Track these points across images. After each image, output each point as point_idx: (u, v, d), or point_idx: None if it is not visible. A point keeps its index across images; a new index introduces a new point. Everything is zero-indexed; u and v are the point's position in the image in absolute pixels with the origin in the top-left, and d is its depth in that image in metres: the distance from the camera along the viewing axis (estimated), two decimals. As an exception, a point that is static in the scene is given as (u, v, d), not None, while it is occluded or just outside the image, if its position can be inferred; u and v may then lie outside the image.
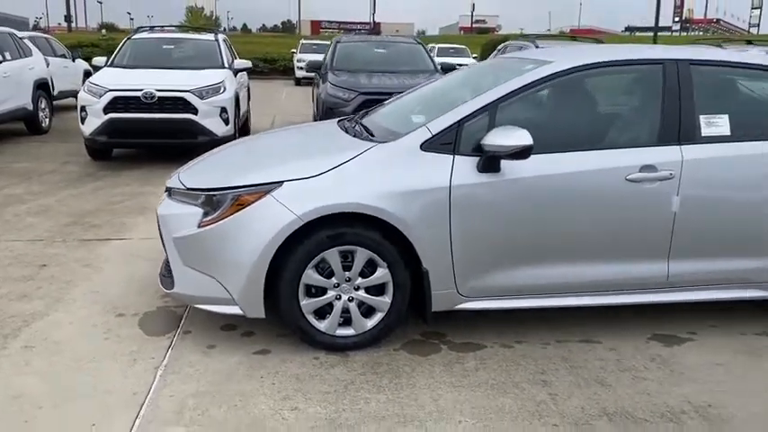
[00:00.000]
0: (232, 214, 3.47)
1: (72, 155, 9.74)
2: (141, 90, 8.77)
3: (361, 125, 4.30)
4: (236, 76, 10.28)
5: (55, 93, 13.37)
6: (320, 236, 3.47)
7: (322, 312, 3.63)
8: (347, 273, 3.57)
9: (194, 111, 8.85)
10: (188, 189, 3.71)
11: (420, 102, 4.66)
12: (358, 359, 3.58)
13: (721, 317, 4.19)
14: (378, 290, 3.64)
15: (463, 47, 31.92)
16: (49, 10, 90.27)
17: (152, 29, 11.72)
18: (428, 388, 3.30)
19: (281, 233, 3.39)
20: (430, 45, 25.66)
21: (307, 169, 3.54)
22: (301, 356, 3.58)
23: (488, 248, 3.62)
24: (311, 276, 3.53)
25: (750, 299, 3.98)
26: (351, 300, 3.62)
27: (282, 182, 3.49)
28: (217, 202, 3.54)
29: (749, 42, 12.99)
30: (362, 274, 3.59)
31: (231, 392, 3.22)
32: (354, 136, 3.98)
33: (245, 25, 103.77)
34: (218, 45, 10.68)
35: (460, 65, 9.39)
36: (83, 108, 8.96)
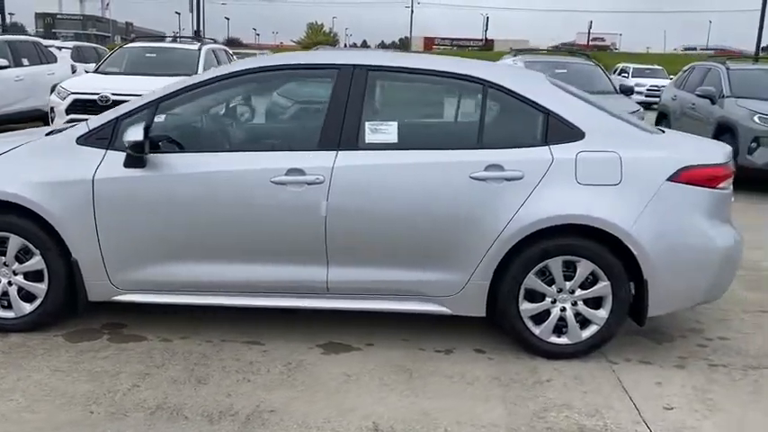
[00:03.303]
0: None
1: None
2: (98, 94, 9.43)
3: None
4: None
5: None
6: (-27, 222, 3.71)
7: (-9, 294, 3.86)
8: (4, 258, 3.78)
9: (145, 114, 9.37)
10: None
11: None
12: (9, 341, 3.77)
13: (420, 331, 4.02)
14: (36, 276, 3.81)
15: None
16: (184, 26, 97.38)
17: (165, 38, 12.47)
18: (26, 369, 3.45)
19: (-67, 217, 3.67)
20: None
21: (-29, 158, 3.80)
22: (-38, 333, 3.83)
23: (135, 242, 3.70)
24: (-35, 259, 3.77)
25: (425, 312, 3.80)
26: (10, 284, 3.82)
27: (-51, 170, 3.76)
28: None
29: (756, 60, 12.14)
30: (22, 261, 3.79)
31: None
32: None
33: (364, 41, 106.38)
34: (199, 55, 11.25)
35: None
36: (51, 109, 9.76)
